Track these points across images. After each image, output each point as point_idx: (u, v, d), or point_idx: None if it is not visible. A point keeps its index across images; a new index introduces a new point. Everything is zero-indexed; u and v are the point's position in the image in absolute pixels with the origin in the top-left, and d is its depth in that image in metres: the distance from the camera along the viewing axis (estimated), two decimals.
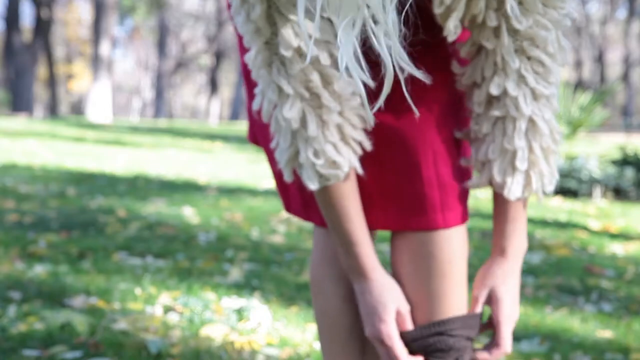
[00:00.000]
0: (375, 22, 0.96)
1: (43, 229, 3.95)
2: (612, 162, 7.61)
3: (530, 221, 5.20)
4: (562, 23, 1.17)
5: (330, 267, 1.36)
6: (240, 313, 2.62)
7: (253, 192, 5.98)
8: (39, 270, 3.08)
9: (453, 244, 1.25)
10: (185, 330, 2.43)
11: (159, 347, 2.22)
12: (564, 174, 7.23)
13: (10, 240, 3.63)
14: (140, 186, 6.04)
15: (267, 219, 4.66)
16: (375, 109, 1.06)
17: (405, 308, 1.24)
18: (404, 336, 1.24)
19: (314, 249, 1.40)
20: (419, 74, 1.02)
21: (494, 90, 1.18)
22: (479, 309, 1.27)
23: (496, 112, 1.19)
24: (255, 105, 1.22)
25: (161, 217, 4.53)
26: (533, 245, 4.31)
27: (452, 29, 1.14)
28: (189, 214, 4.71)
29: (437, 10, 1.12)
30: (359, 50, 0.98)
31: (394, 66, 1.03)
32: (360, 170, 1.21)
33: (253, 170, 7.98)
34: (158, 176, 6.87)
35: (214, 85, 35.05)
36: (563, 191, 7.25)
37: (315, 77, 1.13)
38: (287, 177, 1.24)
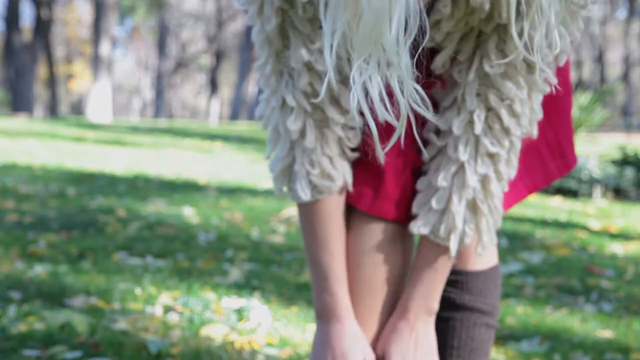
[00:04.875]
0: (389, 64, 0.95)
1: (43, 229, 3.95)
2: (612, 162, 7.62)
3: (530, 221, 5.20)
4: (540, 87, 1.14)
5: None
6: (240, 313, 2.62)
7: (253, 192, 5.97)
8: (39, 270, 3.08)
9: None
10: (185, 330, 2.43)
11: (159, 347, 2.22)
12: None
13: (10, 240, 3.63)
14: (140, 186, 6.04)
15: (267, 219, 4.66)
16: (387, 148, 1.03)
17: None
18: None
19: None
20: (431, 117, 1.00)
21: (442, 125, 1.17)
22: None
23: (438, 142, 1.19)
24: (257, 112, 1.22)
25: (161, 217, 4.53)
26: (533, 245, 4.31)
27: (440, 65, 1.15)
28: (189, 214, 4.71)
29: (428, 44, 1.11)
30: (383, 90, 0.96)
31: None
32: (350, 188, 1.21)
33: (253, 170, 7.97)
34: (158, 176, 6.87)
35: (214, 85, 35.05)
36: (563, 191, 7.25)
37: (323, 92, 1.14)
38: (276, 191, 1.23)
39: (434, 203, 1.17)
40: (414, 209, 1.20)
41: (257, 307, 2.66)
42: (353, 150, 1.22)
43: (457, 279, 1.35)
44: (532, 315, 2.84)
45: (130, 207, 4.85)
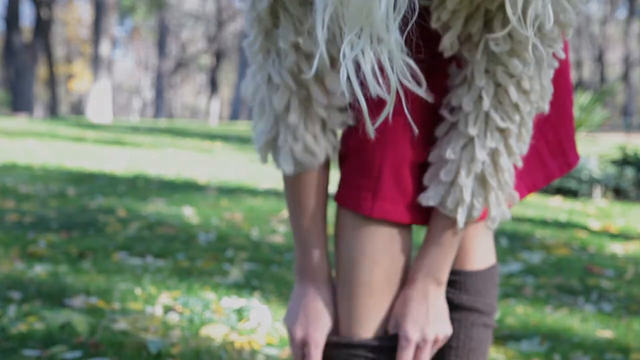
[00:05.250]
0: (380, 40, 0.96)
1: (43, 229, 3.95)
2: (612, 162, 7.62)
3: (530, 221, 5.20)
4: (548, 62, 1.15)
5: None
6: (240, 313, 2.62)
7: (253, 192, 5.98)
8: (39, 270, 3.08)
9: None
10: (185, 330, 2.43)
11: (159, 347, 2.22)
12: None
13: (10, 240, 3.63)
14: (140, 186, 6.04)
15: (267, 219, 4.66)
16: (378, 123, 1.04)
17: (330, 328, 1.26)
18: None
19: None
20: (422, 92, 1.01)
21: (454, 101, 1.18)
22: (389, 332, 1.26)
23: (451, 118, 1.20)
24: (243, 86, 1.25)
25: (161, 217, 4.53)
26: (533, 245, 4.31)
27: (448, 46, 1.15)
28: (189, 214, 4.71)
29: (434, 25, 1.13)
30: (375, 64, 0.97)
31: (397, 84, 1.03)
32: (335, 159, 1.24)
33: (253, 170, 7.98)
34: (158, 176, 6.87)
35: (214, 85, 35.06)
36: (563, 191, 7.25)
37: (308, 72, 1.15)
38: (261, 160, 1.26)
39: (442, 175, 1.19)
40: (425, 181, 1.22)
41: (257, 307, 2.67)
42: (335, 134, 1.24)
43: (455, 279, 1.35)
44: (532, 315, 2.84)
45: (130, 207, 4.85)
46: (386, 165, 1.22)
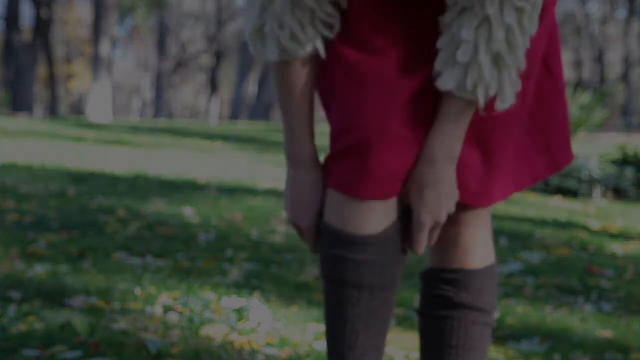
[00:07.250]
0: None
1: (43, 229, 3.95)
2: (612, 162, 7.62)
3: (530, 221, 5.20)
4: None
5: None
6: (240, 313, 2.63)
7: (253, 192, 5.97)
8: (39, 270, 3.08)
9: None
10: (185, 330, 2.43)
11: (159, 347, 2.22)
12: (564, 174, 7.24)
13: (10, 240, 3.63)
14: (140, 186, 6.04)
15: (267, 219, 4.66)
16: None
17: (316, 211, 1.32)
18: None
19: None
20: None
21: None
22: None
23: (462, 2, 1.20)
24: None
25: (161, 217, 4.53)
26: (533, 245, 4.32)
27: None
28: (189, 214, 4.71)
29: None
30: None
31: None
32: (323, 55, 1.26)
33: (253, 170, 7.97)
34: (158, 176, 6.86)
35: (214, 85, 35.06)
36: (563, 191, 7.25)
37: None
38: (252, 51, 1.30)
39: (459, 57, 1.20)
40: (437, 67, 1.23)
41: (257, 307, 2.67)
42: (327, 26, 1.26)
43: (455, 278, 1.36)
44: (532, 315, 2.85)
45: (130, 207, 4.85)
46: (373, 144, 1.23)
